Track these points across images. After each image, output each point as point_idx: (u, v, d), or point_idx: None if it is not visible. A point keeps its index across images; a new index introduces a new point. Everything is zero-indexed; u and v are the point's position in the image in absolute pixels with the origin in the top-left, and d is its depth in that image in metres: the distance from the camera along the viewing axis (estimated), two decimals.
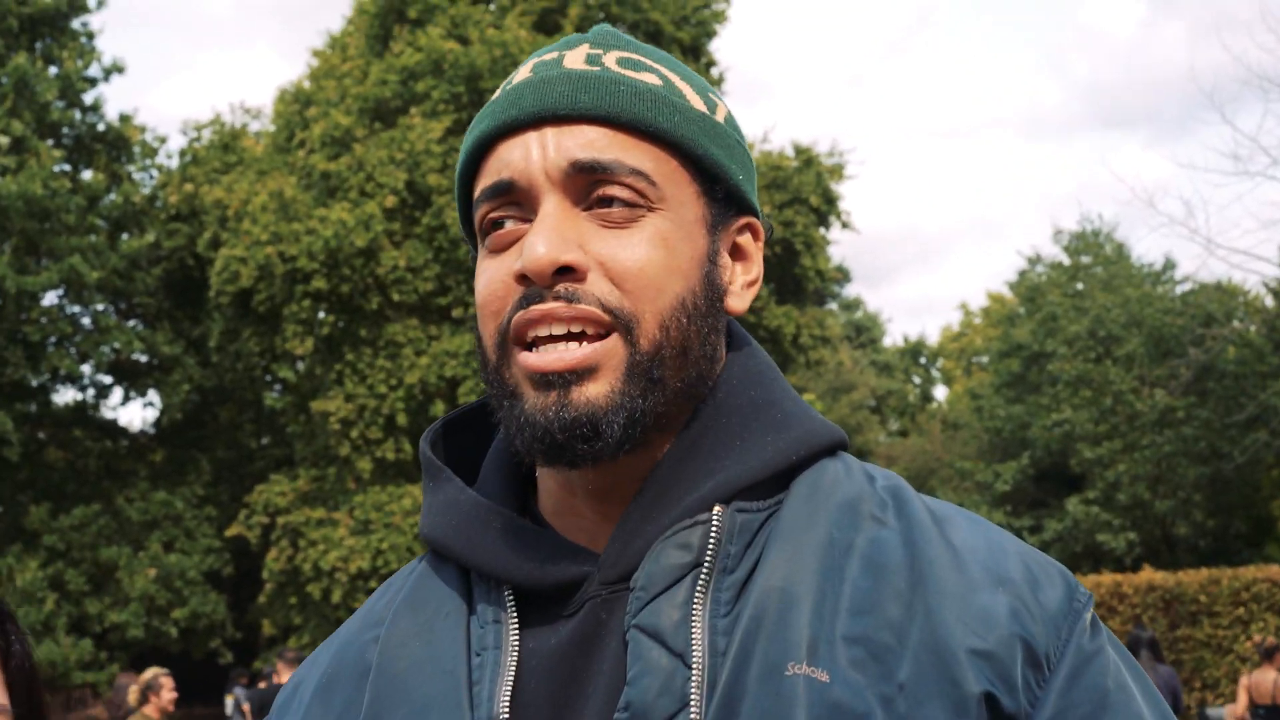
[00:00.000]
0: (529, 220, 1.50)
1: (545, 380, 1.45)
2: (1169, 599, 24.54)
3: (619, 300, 1.45)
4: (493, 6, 35.21)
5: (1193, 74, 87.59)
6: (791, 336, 34.86)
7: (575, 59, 1.56)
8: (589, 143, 1.49)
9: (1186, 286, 43.37)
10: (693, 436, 1.52)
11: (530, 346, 1.47)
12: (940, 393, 72.22)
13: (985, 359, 57.50)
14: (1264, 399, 37.32)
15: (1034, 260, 50.71)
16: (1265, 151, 37.70)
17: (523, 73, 1.58)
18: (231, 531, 34.24)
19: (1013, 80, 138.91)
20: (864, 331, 72.76)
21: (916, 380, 73.35)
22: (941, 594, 1.42)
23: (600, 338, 1.45)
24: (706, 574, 1.43)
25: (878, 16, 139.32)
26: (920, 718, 1.35)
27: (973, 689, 1.36)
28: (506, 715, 1.43)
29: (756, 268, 1.62)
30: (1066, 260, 48.29)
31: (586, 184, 1.48)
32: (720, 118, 1.60)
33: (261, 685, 18.85)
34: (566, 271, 1.46)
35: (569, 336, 1.45)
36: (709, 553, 1.44)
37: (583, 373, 1.44)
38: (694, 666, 1.38)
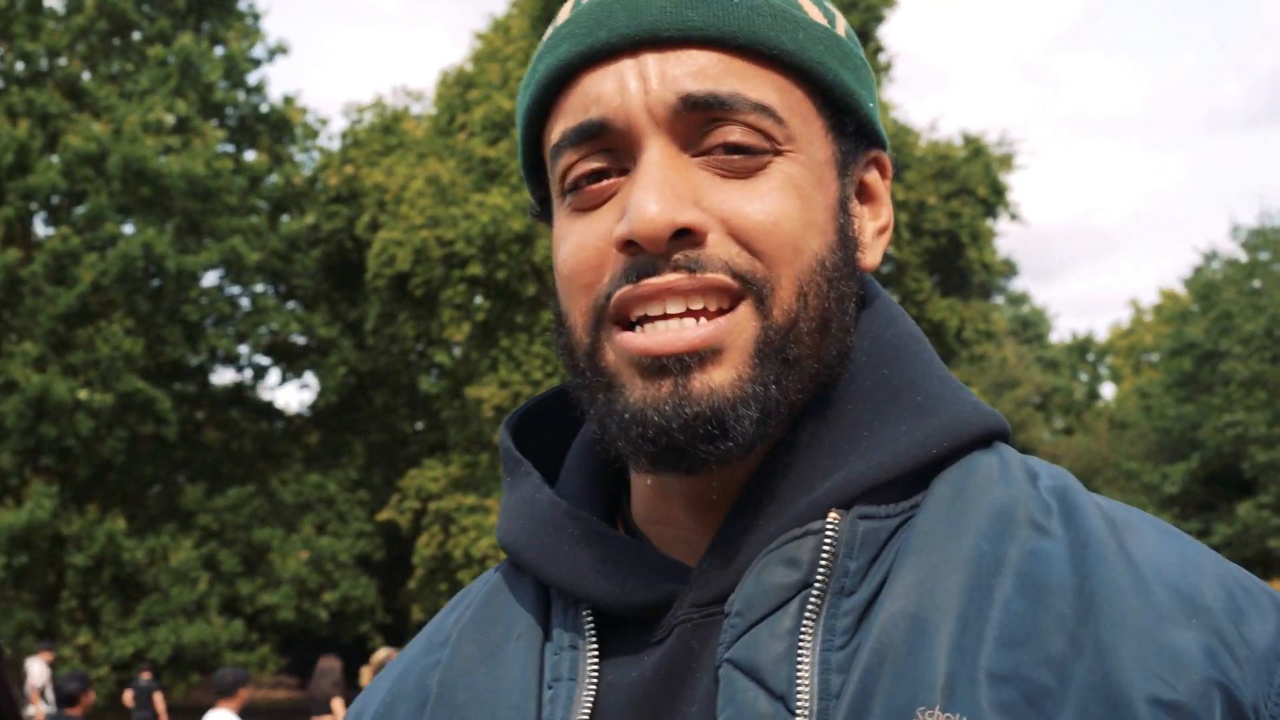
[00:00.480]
0: (626, 170, 1.28)
1: (659, 366, 1.23)
2: None
3: (750, 263, 1.23)
4: None
5: None
6: (955, 330, 34.62)
7: None
8: (700, 70, 1.25)
9: None
10: (813, 428, 1.30)
11: (632, 326, 1.26)
12: (1108, 391, 71.64)
13: (1155, 357, 56.86)
14: None
15: (1210, 256, 49.78)
16: None
17: None
18: (383, 516, 34.66)
19: (1192, 73, 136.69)
20: (1030, 326, 72.29)
21: (1083, 377, 72.82)
22: (1117, 625, 1.15)
23: (723, 312, 1.23)
24: (818, 596, 1.21)
25: (1051, 6, 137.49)
26: None
27: None
28: None
29: (887, 211, 1.40)
30: (1244, 257, 47.26)
31: (700, 123, 1.26)
32: (842, 32, 1.36)
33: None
34: (684, 234, 1.23)
35: (685, 314, 1.23)
36: (821, 570, 1.22)
37: (705, 354, 1.22)
38: (799, 712, 1.16)
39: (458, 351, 34.69)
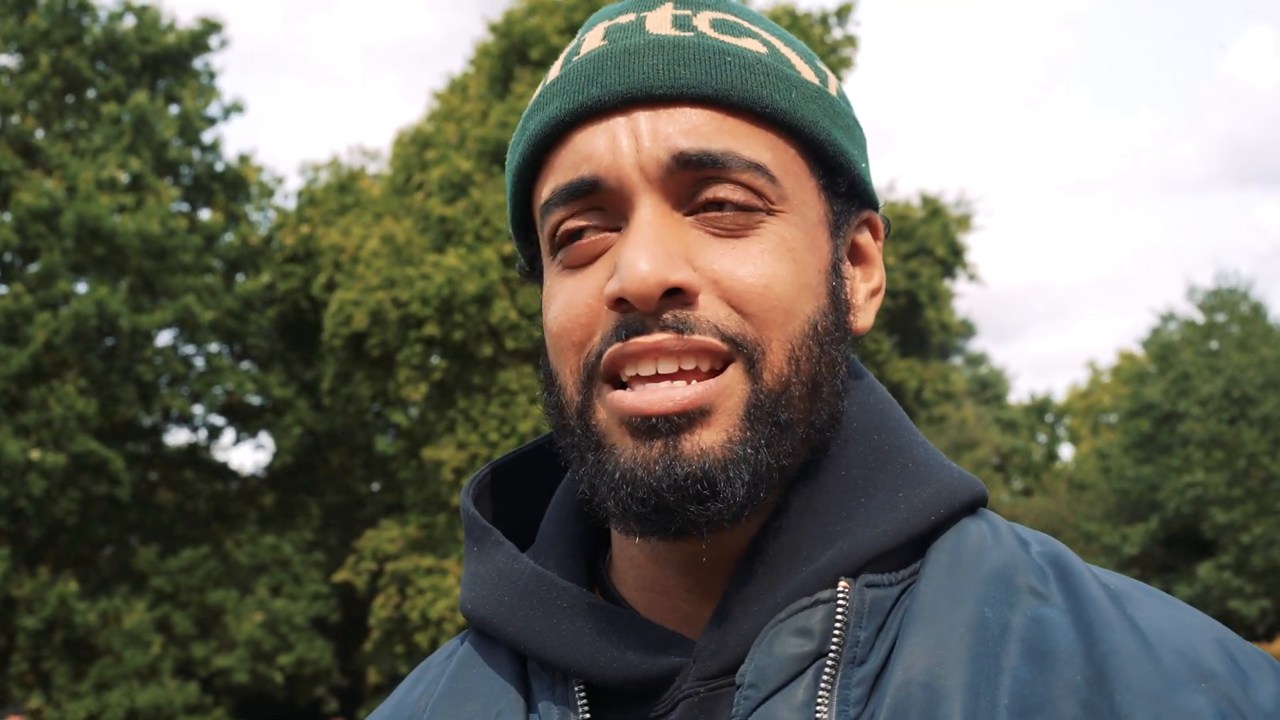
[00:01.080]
0: (616, 229, 1.28)
1: (649, 426, 1.22)
2: None
3: (739, 326, 1.23)
4: None
5: None
6: (915, 391, 34.80)
7: (660, 21, 1.31)
8: (694, 128, 1.25)
9: None
10: (808, 494, 1.30)
11: (624, 385, 1.25)
12: (1066, 452, 71.82)
13: (1114, 418, 57.15)
14: None
15: (1167, 318, 50.08)
16: None
17: (593, 40, 1.32)
18: (339, 577, 34.48)
19: (1148, 136, 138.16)
20: (989, 387, 72.69)
21: (1042, 438, 72.95)
22: (1131, 691, 1.16)
23: (715, 373, 1.23)
24: (832, 666, 1.21)
25: (1009, 68, 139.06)
26: None
27: None
28: None
29: (879, 273, 1.40)
30: (1201, 318, 47.59)
31: (691, 182, 1.25)
32: (834, 91, 1.37)
33: None
34: (675, 293, 1.23)
35: (676, 374, 1.23)
36: (835, 639, 1.22)
37: (695, 415, 1.22)
38: None
39: (414, 412, 34.61)
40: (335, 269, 34.16)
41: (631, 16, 1.33)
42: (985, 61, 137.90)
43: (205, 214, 37.57)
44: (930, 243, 34.56)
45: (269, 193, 38.99)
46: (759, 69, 1.28)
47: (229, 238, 37.07)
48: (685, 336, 1.21)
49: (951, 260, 35.41)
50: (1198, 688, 1.17)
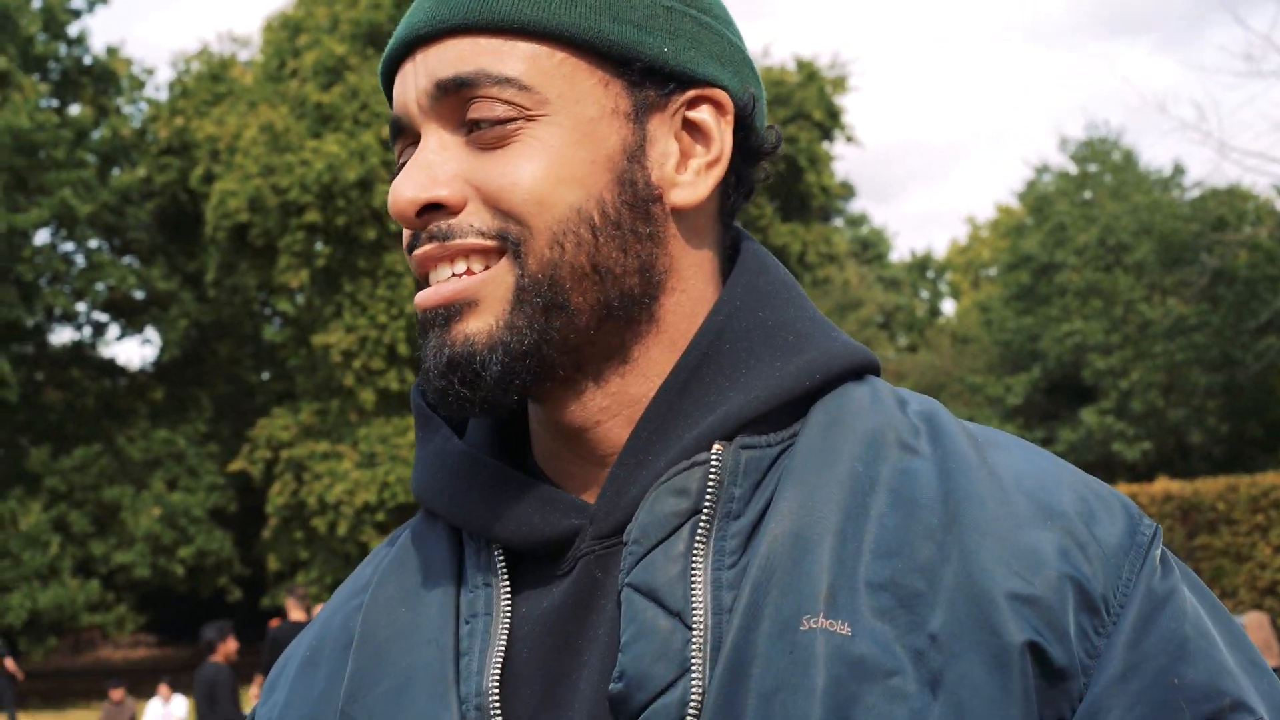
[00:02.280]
0: None
1: (427, 318, 1.35)
2: (1186, 508, 24.36)
3: (501, 222, 1.32)
4: None
5: None
6: (798, 254, 34.91)
7: None
8: (456, 57, 1.35)
9: (1197, 192, 43.31)
10: (690, 366, 1.37)
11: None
12: (949, 307, 72.42)
13: (993, 271, 57.60)
14: (1277, 304, 37.28)
15: (1041, 170, 50.50)
16: (1279, 50, 37.25)
17: None
18: (234, 467, 34.35)
19: None
20: (870, 247, 72.89)
21: (924, 295, 73.55)
22: (980, 531, 1.26)
23: (486, 266, 1.33)
24: (707, 521, 1.29)
25: None
26: (955, 673, 1.20)
27: (1014, 639, 1.21)
28: (496, 689, 1.31)
29: (718, 145, 1.41)
30: (1074, 169, 48.03)
31: (457, 105, 1.35)
32: None
33: (274, 623, 18.91)
34: (437, 209, 1.34)
35: (450, 276, 1.34)
36: (709, 496, 1.30)
37: (461, 306, 1.33)
38: (695, 626, 1.25)
39: (301, 299, 34.35)
40: (212, 160, 33.70)
41: None
42: None
43: (75, 109, 36.86)
44: (807, 107, 34.52)
45: (140, 85, 38.24)
46: None
47: (101, 132, 36.41)
48: (445, 243, 1.33)
49: (829, 123, 35.38)
50: (1044, 525, 1.27)
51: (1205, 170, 65.45)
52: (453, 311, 1.33)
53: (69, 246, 36.41)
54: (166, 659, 46.56)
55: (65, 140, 33.85)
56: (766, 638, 1.22)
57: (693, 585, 1.26)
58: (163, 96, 38.84)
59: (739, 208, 1.49)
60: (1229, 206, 40.49)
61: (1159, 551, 1.31)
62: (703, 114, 1.41)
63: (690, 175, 1.40)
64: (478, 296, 1.32)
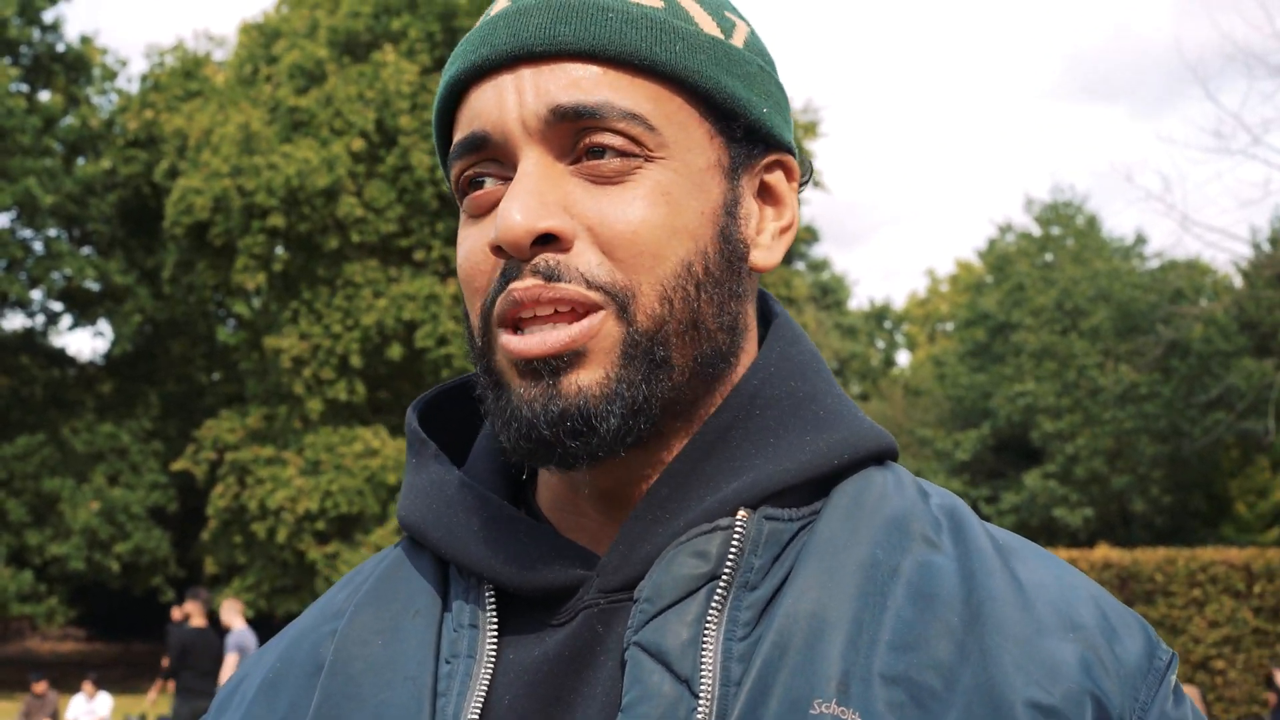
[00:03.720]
0: (509, 179, 1.32)
1: (531, 368, 1.28)
2: (1124, 577, 24.44)
3: (609, 273, 1.28)
4: None
5: (1178, 47, 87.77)
6: None
7: None
8: (573, 83, 1.30)
9: (1157, 263, 43.68)
10: (719, 429, 1.36)
11: (519, 328, 1.30)
12: (903, 358, 72.64)
13: (950, 326, 57.81)
14: (1228, 380, 37.62)
15: (1005, 229, 50.81)
16: (1247, 129, 37.80)
17: (501, 1, 1.38)
18: (178, 466, 34.10)
19: (993, 47, 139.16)
20: (830, 293, 72.97)
21: (880, 345, 73.69)
22: (1002, 634, 1.26)
23: (590, 314, 1.28)
24: (724, 588, 1.27)
25: None
26: None
27: None
28: None
29: (790, 211, 1.43)
30: (1038, 231, 48.33)
31: (572, 133, 1.30)
32: (739, 41, 1.40)
33: (175, 615, 19.05)
34: (549, 240, 1.28)
35: (557, 315, 1.28)
36: (729, 563, 1.28)
37: (571, 357, 1.27)
38: (702, 696, 1.21)
39: (257, 303, 34.15)
40: (179, 156, 33.52)
41: None
42: None
43: (45, 95, 36.66)
44: None
45: (111, 75, 38.07)
46: (642, 23, 1.32)
47: (70, 120, 36.23)
48: (553, 285, 1.27)
49: None
50: (1066, 636, 1.27)
51: (1167, 241, 66.16)
52: (562, 363, 1.28)
53: (28, 233, 36.16)
54: (95, 654, 46.22)
55: (33, 127, 33.67)
56: (774, 717, 1.20)
57: (703, 653, 1.23)
58: (134, 89, 38.66)
59: None
60: (1188, 279, 40.88)
61: (1173, 679, 1.32)
62: (777, 178, 1.42)
63: (768, 238, 1.40)
64: (586, 349, 1.28)
